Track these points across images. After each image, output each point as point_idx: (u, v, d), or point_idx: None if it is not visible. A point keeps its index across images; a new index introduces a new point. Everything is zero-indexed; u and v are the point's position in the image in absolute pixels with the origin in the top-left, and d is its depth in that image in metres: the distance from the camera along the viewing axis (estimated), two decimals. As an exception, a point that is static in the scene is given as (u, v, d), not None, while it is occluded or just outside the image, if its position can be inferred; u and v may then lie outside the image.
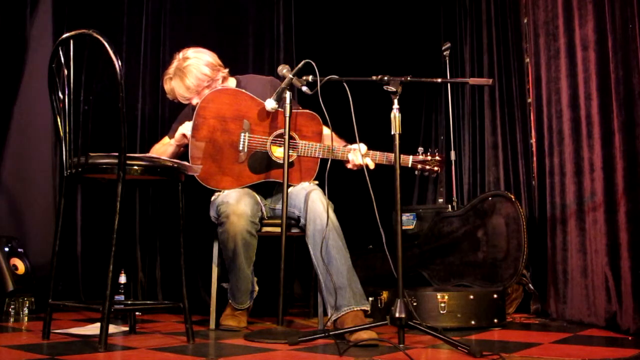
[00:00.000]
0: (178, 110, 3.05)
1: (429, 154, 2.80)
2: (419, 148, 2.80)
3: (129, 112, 3.42)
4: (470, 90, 4.10)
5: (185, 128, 2.71)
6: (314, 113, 2.79)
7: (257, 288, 2.78)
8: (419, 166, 2.78)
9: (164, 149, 2.84)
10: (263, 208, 2.73)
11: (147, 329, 2.65)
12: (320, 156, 2.74)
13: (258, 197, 2.73)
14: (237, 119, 2.71)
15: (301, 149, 2.72)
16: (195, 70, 2.77)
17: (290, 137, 2.70)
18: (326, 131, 2.78)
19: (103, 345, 1.95)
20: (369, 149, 2.70)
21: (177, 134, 2.74)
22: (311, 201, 2.56)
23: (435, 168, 2.79)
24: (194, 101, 2.80)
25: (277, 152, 2.75)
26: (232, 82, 2.94)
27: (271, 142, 2.75)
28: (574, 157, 2.91)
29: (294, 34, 4.14)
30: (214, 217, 2.72)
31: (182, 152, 2.82)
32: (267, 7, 4.10)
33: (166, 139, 2.92)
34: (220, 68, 2.86)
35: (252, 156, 2.72)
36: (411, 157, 2.78)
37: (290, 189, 2.67)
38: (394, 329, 2.18)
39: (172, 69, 2.82)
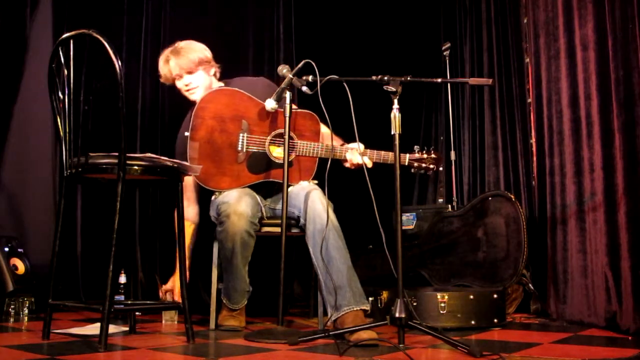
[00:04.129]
0: (178, 110, 3.05)
1: (424, 152, 2.80)
2: (415, 146, 2.80)
3: (129, 112, 3.40)
4: (470, 90, 4.10)
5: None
6: (311, 112, 2.79)
7: (250, 288, 2.78)
8: (415, 164, 2.79)
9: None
10: (263, 208, 2.73)
11: (147, 329, 2.65)
12: (319, 155, 2.74)
13: (258, 198, 2.73)
14: (236, 119, 2.72)
15: (299, 148, 2.72)
16: (198, 47, 2.87)
17: (289, 137, 2.71)
18: (325, 129, 2.78)
19: (103, 345, 1.95)
20: (368, 148, 2.71)
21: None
22: (311, 201, 2.57)
23: (432, 166, 2.80)
24: (185, 81, 2.82)
25: (276, 152, 2.75)
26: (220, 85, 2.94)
27: (270, 142, 2.75)
28: (574, 157, 2.90)
29: (294, 34, 4.14)
30: (213, 217, 2.72)
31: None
32: (267, 7, 4.10)
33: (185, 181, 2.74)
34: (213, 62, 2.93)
35: (250, 156, 2.73)
36: (407, 155, 2.79)
37: (290, 189, 2.67)
38: (394, 329, 2.18)
39: (169, 50, 2.86)
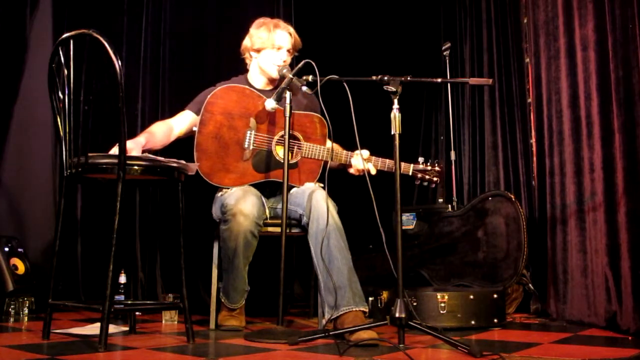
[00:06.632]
0: (178, 110, 3.04)
1: (429, 164, 2.84)
2: (420, 158, 2.86)
3: (129, 112, 3.42)
4: (470, 90, 4.10)
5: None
6: (320, 116, 2.80)
7: (248, 287, 2.78)
8: (419, 175, 2.85)
9: (164, 130, 2.76)
10: (267, 209, 2.73)
11: (147, 329, 2.65)
12: (324, 159, 2.75)
13: (263, 198, 2.73)
14: (244, 117, 2.72)
15: (305, 150, 2.73)
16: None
17: (295, 138, 2.72)
18: (329, 144, 2.79)
19: (103, 345, 1.96)
20: (369, 150, 2.72)
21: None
22: (315, 200, 2.57)
23: (435, 179, 2.85)
24: (285, 57, 2.84)
25: (282, 152, 2.75)
26: None
27: (276, 142, 2.75)
28: (574, 157, 2.90)
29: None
30: (217, 215, 2.72)
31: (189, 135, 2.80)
32: (267, 7, 4.09)
33: (184, 114, 2.83)
34: None
35: (256, 154, 2.73)
36: (412, 165, 2.83)
37: (294, 189, 2.68)
38: (394, 329, 2.18)
39: (287, 24, 2.95)
